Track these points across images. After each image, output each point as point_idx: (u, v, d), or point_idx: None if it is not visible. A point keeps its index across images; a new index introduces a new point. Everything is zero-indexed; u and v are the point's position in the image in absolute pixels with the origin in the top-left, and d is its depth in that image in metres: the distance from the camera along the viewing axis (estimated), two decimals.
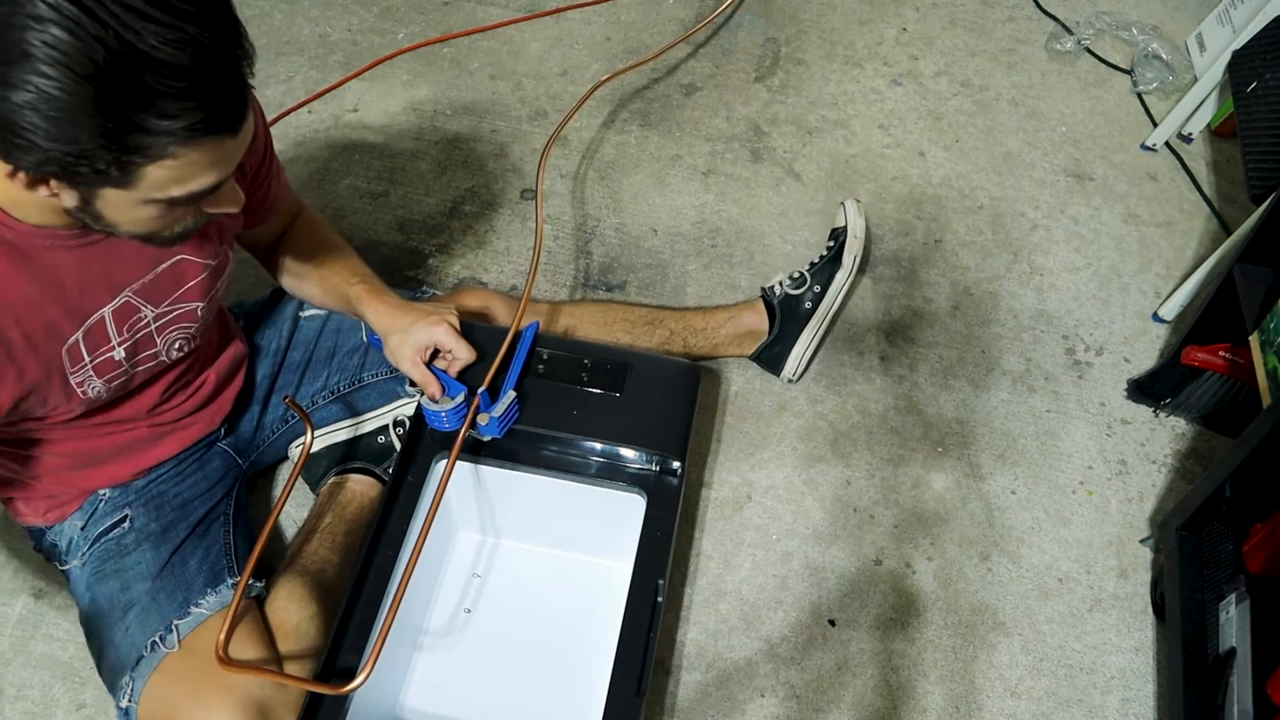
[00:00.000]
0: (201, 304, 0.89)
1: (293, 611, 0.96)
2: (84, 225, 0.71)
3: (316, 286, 1.05)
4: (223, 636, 0.84)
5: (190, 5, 0.59)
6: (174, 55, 0.58)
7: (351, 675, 0.83)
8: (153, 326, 0.86)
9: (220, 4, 0.61)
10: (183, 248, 0.84)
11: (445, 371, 1.00)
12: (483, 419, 0.96)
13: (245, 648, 0.89)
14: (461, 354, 0.99)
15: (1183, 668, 1.01)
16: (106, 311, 0.81)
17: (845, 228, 1.34)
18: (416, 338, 0.98)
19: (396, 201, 1.50)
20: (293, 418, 1.09)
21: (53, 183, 0.63)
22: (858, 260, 1.32)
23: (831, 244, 1.33)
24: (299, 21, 1.76)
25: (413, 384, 1.12)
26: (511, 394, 0.97)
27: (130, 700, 0.86)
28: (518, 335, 1.04)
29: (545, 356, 1.05)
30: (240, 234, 0.97)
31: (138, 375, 0.88)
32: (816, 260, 1.32)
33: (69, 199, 0.66)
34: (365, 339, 1.10)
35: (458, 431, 0.95)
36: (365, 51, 1.70)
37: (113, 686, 0.89)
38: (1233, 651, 0.97)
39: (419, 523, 0.97)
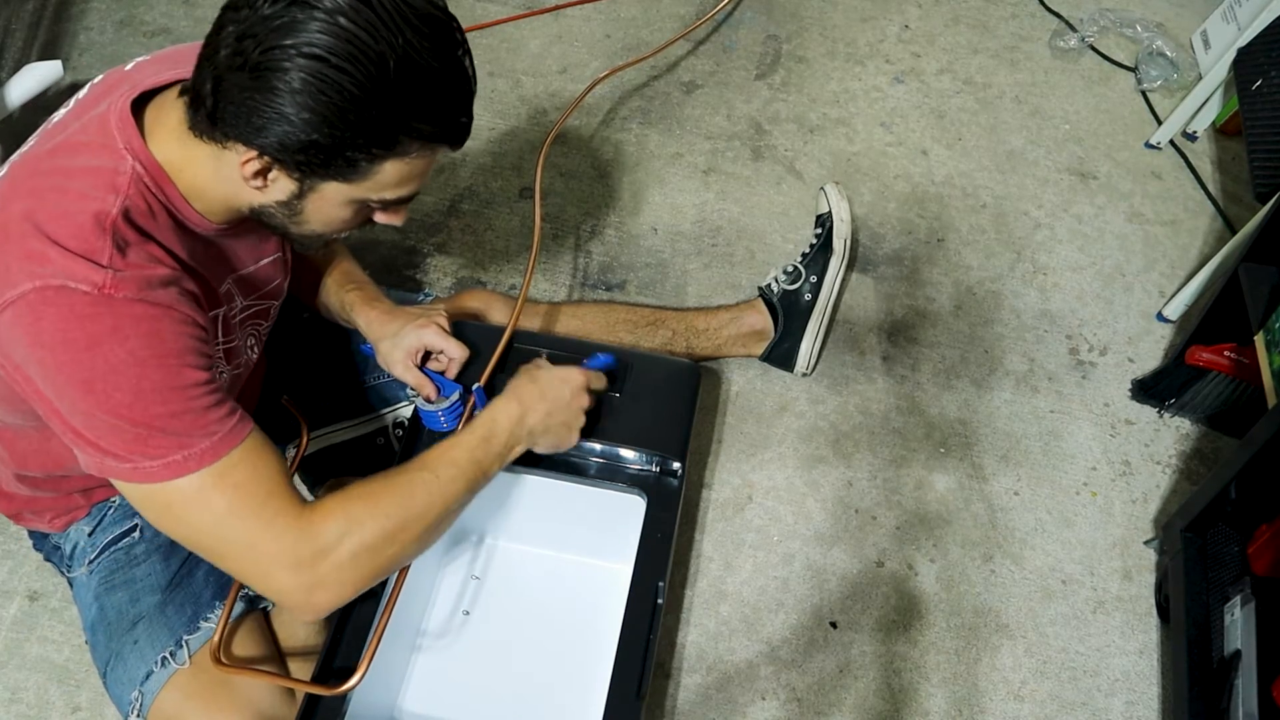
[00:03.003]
0: (275, 302, 0.92)
1: (300, 626, 0.95)
2: (247, 220, 0.76)
3: (312, 290, 1.04)
4: (217, 638, 0.84)
5: (449, 28, 0.68)
6: (435, 65, 0.67)
7: (348, 676, 0.82)
8: (238, 317, 0.87)
9: (460, 29, 0.70)
10: (273, 248, 0.87)
11: (441, 373, 0.99)
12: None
13: (255, 663, 0.89)
14: (453, 352, 0.99)
15: (1187, 670, 1.01)
16: (222, 294, 0.82)
17: (830, 213, 1.33)
18: (406, 342, 0.98)
19: None
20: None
21: (274, 172, 0.69)
22: (848, 243, 1.32)
23: (819, 231, 1.33)
24: None
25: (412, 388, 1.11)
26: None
27: (139, 715, 0.86)
28: (514, 333, 1.03)
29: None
30: None
31: (231, 374, 0.88)
32: (807, 251, 1.31)
33: (280, 191, 0.71)
34: (359, 349, 1.09)
35: (454, 430, 0.94)
36: None
37: (120, 701, 0.88)
38: (1238, 654, 0.96)
39: None
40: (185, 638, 0.87)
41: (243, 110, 0.65)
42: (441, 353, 1.00)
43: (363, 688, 0.86)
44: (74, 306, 0.65)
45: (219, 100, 0.65)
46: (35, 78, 1.40)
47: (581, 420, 0.93)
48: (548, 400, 0.90)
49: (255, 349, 0.91)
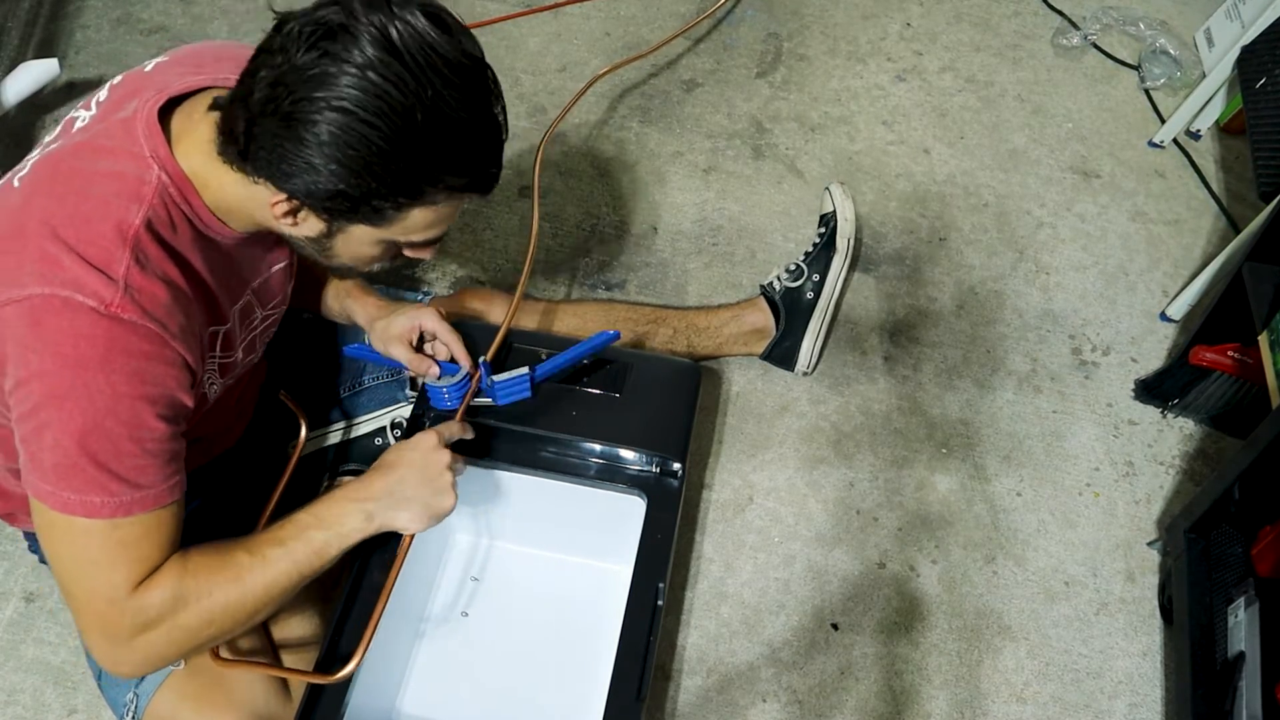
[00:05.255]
0: (285, 308, 0.92)
1: (296, 625, 0.95)
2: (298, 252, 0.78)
3: (304, 286, 1.03)
4: None
5: (481, 76, 0.68)
6: (464, 117, 0.66)
7: (348, 678, 0.82)
8: (258, 329, 0.87)
9: (491, 75, 0.69)
10: (284, 254, 0.87)
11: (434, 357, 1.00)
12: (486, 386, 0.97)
13: (245, 653, 0.88)
14: (447, 337, 0.99)
15: (1191, 672, 1.00)
16: (237, 308, 0.82)
17: (834, 212, 1.33)
18: (402, 321, 0.99)
19: None
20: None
21: (303, 212, 0.70)
22: (851, 243, 1.31)
23: (823, 230, 1.32)
24: None
25: (412, 388, 1.10)
26: (524, 370, 0.97)
27: (134, 717, 0.86)
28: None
29: (545, 356, 1.04)
30: None
31: (238, 374, 0.88)
32: (810, 249, 1.31)
33: (310, 229, 0.72)
34: (344, 351, 1.07)
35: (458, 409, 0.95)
36: None
37: (115, 704, 0.88)
38: (1241, 656, 0.96)
39: None
40: None
41: (274, 155, 0.66)
42: (435, 338, 1.00)
43: (362, 689, 0.86)
44: (75, 321, 0.65)
45: (250, 142, 0.66)
46: (31, 76, 1.40)
47: (447, 479, 0.85)
48: (400, 474, 0.84)
49: (262, 347, 0.91)
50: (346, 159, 0.64)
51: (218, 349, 0.81)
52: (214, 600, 0.74)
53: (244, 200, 0.72)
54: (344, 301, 1.02)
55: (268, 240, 0.82)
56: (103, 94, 0.77)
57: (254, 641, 0.89)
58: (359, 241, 0.73)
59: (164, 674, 0.85)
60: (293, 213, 0.70)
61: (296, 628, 0.95)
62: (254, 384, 1.02)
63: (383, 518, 0.82)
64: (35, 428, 0.67)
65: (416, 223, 0.71)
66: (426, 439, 0.86)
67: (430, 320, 0.99)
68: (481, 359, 0.97)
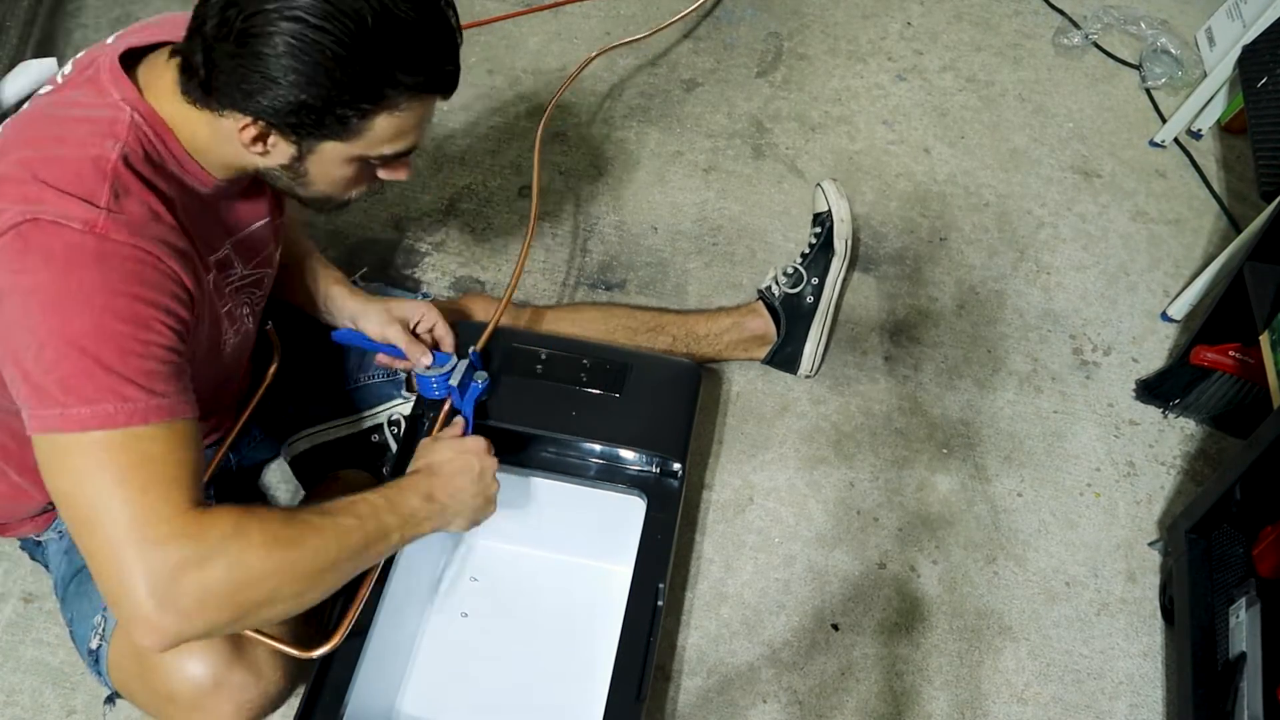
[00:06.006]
0: (270, 271, 0.91)
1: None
2: (244, 179, 0.77)
3: (297, 285, 1.04)
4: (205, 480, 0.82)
5: None
6: (423, 20, 0.68)
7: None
8: (236, 285, 0.86)
9: None
10: (264, 210, 0.87)
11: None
12: (479, 377, 0.98)
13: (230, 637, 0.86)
14: (441, 330, 1.01)
15: (1192, 673, 1.00)
16: (214, 260, 0.81)
17: (829, 211, 1.30)
18: (407, 306, 1.01)
19: (392, 199, 1.48)
20: (287, 414, 1.08)
21: (272, 137, 0.70)
22: (849, 243, 1.30)
23: (818, 230, 1.30)
24: None
25: (409, 388, 1.10)
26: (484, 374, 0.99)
27: (102, 639, 0.83)
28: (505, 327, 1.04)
29: (544, 357, 1.03)
30: None
31: (232, 342, 0.87)
32: (807, 251, 1.29)
33: (281, 155, 0.72)
34: (332, 336, 1.07)
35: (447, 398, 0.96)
36: None
37: (83, 635, 0.86)
38: (1243, 656, 0.95)
39: None
40: None
41: (233, 78, 0.66)
42: (431, 330, 1.01)
43: (362, 689, 0.86)
44: (63, 236, 0.65)
45: (210, 70, 0.67)
46: (30, 76, 1.39)
47: (494, 488, 0.88)
48: (458, 476, 0.84)
49: (251, 320, 0.91)
50: (304, 67, 0.65)
51: (214, 300, 0.81)
52: (277, 546, 0.67)
53: (214, 139, 0.72)
54: (327, 292, 1.02)
55: (247, 192, 0.83)
56: (68, 68, 0.77)
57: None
58: (331, 161, 0.73)
59: None
60: (261, 138, 0.70)
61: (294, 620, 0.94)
62: (248, 359, 1.01)
63: (440, 520, 0.83)
64: (35, 350, 0.64)
65: (384, 131, 0.72)
66: (477, 443, 0.88)
67: (431, 313, 1.01)
68: (471, 350, 0.97)
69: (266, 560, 0.67)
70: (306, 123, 0.69)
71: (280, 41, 0.64)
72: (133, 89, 0.71)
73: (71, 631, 0.89)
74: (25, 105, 0.76)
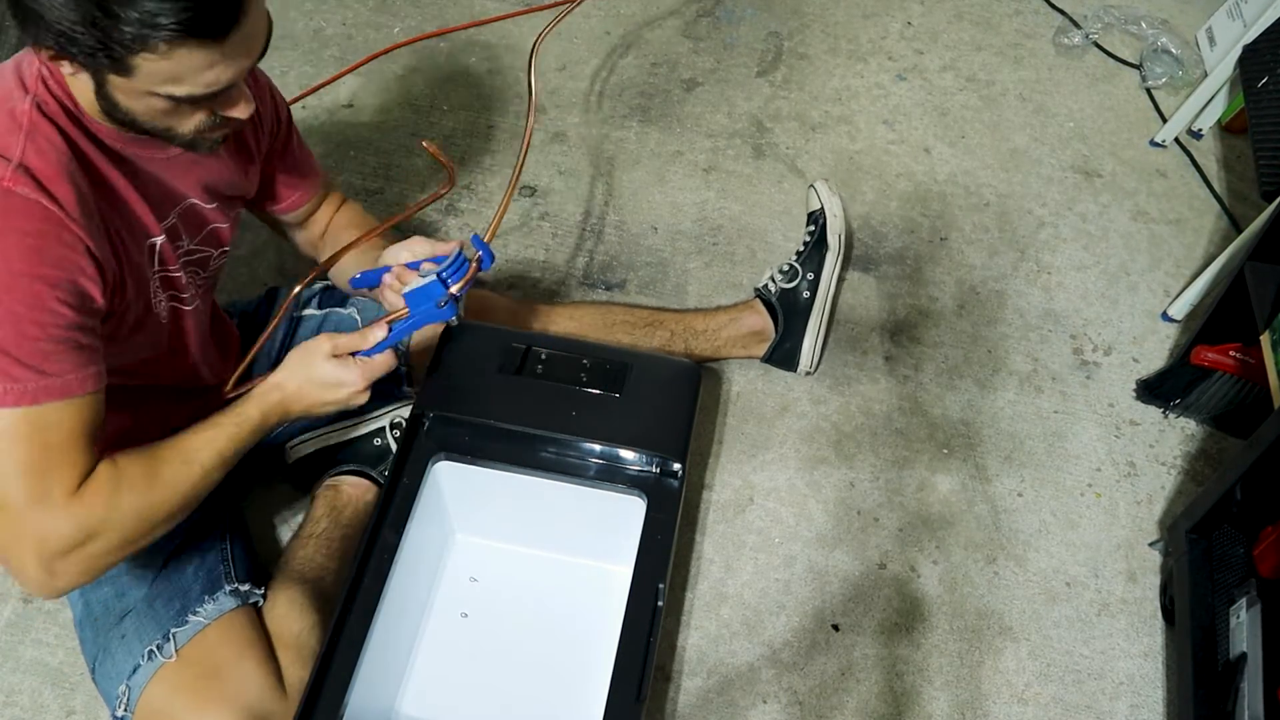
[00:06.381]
0: (214, 253, 0.91)
1: (293, 621, 0.95)
2: (114, 119, 0.73)
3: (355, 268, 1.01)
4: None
5: None
6: None
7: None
8: (188, 258, 0.87)
9: None
10: (202, 195, 0.86)
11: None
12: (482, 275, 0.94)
13: (245, 657, 0.88)
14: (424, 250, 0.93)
15: (1192, 673, 1.00)
16: (165, 226, 0.82)
17: (822, 209, 1.32)
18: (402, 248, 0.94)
19: (392, 198, 1.48)
20: None
21: (67, 65, 0.67)
22: (842, 238, 1.31)
23: (812, 228, 1.32)
24: (293, 15, 1.74)
25: (408, 383, 1.10)
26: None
27: (127, 710, 0.86)
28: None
29: (544, 356, 1.03)
30: (279, 218, 1.03)
31: (181, 313, 0.89)
32: (801, 249, 1.31)
33: (83, 83, 0.69)
34: (350, 281, 1.01)
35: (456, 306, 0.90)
36: (360, 46, 1.68)
37: (108, 695, 0.88)
38: (1243, 657, 0.95)
39: (415, 525, 0.95)
40: (173, 631, 0.87)
41: (18, 13, 0.65)
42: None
43: (361, 689, 0.86)
44: None
45: (10, 7, 0.65)
46: None
47: (340, 376, 0.86)
48: (297, 377, 0.86)
49: (200, 300, 0.91)
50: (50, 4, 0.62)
51: (156, 262, 0.81)
52: (149, 509, 0.76)
53: (70, 84, 0.71)
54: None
55: (196, 163, 0.83)
56: None
57: (259, 657, 0.89)
58: (127, 94, 0.69)
59: (155, 665, 0.85)
60: (57, 61, 0.67)
61: (294, 623, 0.94)
62: (221, 343, 1.01)
63: (286, 400, 0.86)
64: None
65: (157, 74, 0.66)
66: (349, 377, 0.86)
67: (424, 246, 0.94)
68: (474, 235, 0.90)
69: (139, 524, 0.76)
70: (75, 54, 0.65)
71: None
72: (34, 51, 0.69)
73: (94, 677, 0.90)
74: None
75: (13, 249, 0.66)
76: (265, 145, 0.95)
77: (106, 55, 0.65)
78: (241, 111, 0.74)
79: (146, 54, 0.65)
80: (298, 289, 0.99)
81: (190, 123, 0.74)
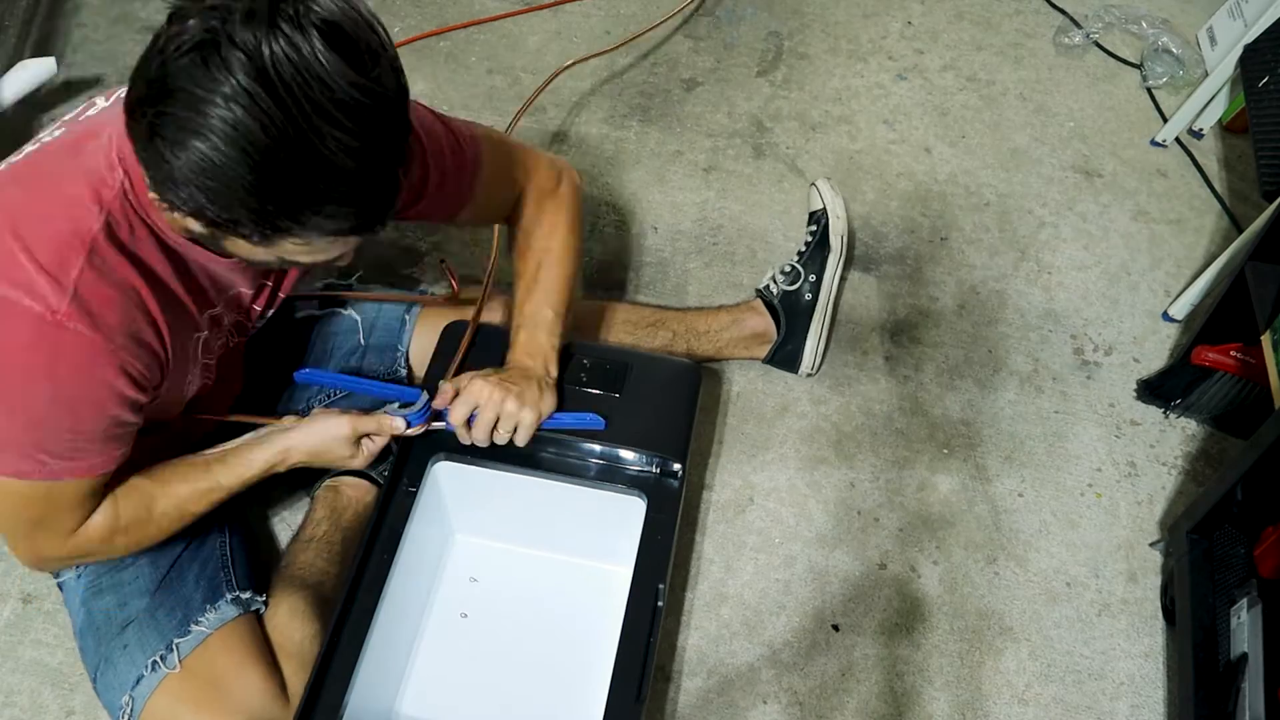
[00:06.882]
0: (258, 309, 0.91)
1: (295, 629, 0.95)
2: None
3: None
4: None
5: (380, 117, 0.60)
6: (349, 164, 0.59)
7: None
8: (226, 331, 0.88)
9: (401, 114, 0.63)
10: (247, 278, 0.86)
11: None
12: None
13: (248, 666, 0.88)
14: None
15: (1193, 673, 1.00)
16: (207, 316, 0.83)
17: (824, 209, 1.32)
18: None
19: None
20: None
21: (177, 214, 0.64)
22: (845, 239, 1.30)
23: (814, 229, 1.31)
24: None
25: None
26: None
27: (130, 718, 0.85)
28: (476, 338, 1.01)
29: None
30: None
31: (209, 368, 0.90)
32: (803, 249, 1.30)
33: (195, 225, 0.65)
34: (295, 375, 0.99)
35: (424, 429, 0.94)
36: None
37: (111, 706, 0.88)
38: (1244, 657, 0.95)
39: (415, 526, 0.95)
40: (176, 641, 0.87)
41: (144, 156, 0.61)
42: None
43: (361, 690, 0.85)
44: (20, 327, 0.66)
45: (133, 138, 0.62)
46: (29, 75, 1.39)
47: (347, 456, 0.89)
48: (308, 442, 0.88)
49: (234, 339, 0.92)
50: (204, 187, 0.59)
51: (199, 354, 0.82)
52: (144, 543, 0.84)
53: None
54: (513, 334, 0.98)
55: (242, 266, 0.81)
56: (100, 99, 0.77)
57: (261, 666, 0.89)
58: (243, 249, 0.68)
59: (159, 676, 0.85)
60: (170, 210, 0.65)
61: (296, 631, 0.95)
62: (235, 357, 1.01)
63: (291, 461, 0.89)
64: None
65: (293, 251, 0.66)
66: (339, 426, 0.88)
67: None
68: (423, 389, 0.92)
69: (129, 550, 0.85)
70: (209, 220, 0.63)
71: (184, 157, 0.57)
72: (129, 144, 0.63)
73: (95, 687, 0.90)
74: (61, 125, 0.75)
75: (63, 381, 0.68)
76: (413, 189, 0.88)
77: (259, 236, 0.63)
78: (345, 261, 0.73)
79: (292, 240, 0.64)
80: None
81: (297, 264, 0.73)
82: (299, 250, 0.66)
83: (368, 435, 0.90)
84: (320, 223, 0.62)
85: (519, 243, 1.00)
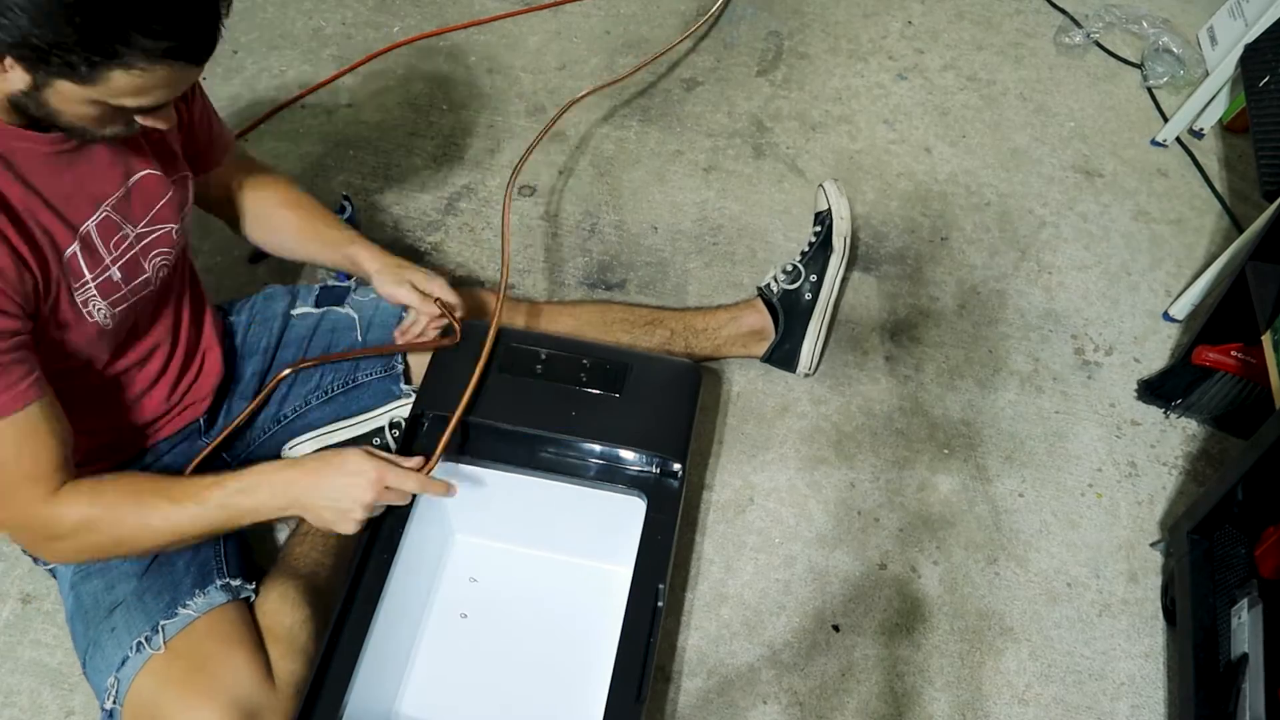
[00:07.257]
0: (175, 225, 0.90)
1: (285, 615, 0.94)
2: (27, 114, 0.72)
3: (297, 235, 1.06)
4: None
5: None
6: None
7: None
8: (136, 248, 0.86)
9: None
10: (145, 163, 0.86)
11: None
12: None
13: (234, 650, 0.88)
14: (449, 295, 1.03)
15: (1194, 674, 1.00)
16: (92, 225, 0.82)
17: (829, 210, 1.31)
18: (409, 270, 1.03)
19: (391, 198, 1.48)
20: (285, 418, 1.07)
21: (8, 61, 0.66)
22: (848, 241, 1.30)
23: (818, 229, 1.31)
24: (292, 15, 1.73)
25: (406, 381, 1.10)
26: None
27: (115, 703, 0.85)
28: (470, 416, 0.99)
29: (544, 356, 1.03)
30: (199, 186, 0.99)
31: (139, 306, 0.88)
32: (806, 249, 1.30)
33: (18, 81, 0.68)
34: (330, 277, 1.10)
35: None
36: (360, 45, 1.68)
37: (98, 688, 0.87)
38: (1245, 657, 0.95)
39: (415, 525, 0.95)
40: (162, 623, 0.86)
41: None
42: (437, 300, 1.03)
43: (361, 690, 0.86)
44: None
45: None
46: None
47: (357, 515, 0.88)
48: (324, 485, 0.87)
49: (166, 269, 0.91)
50: (32, 5, 0.61)
51: (81, 269, 0.80)
52: (121, 531, 0.82)
53: None
54: (346, 249, 1.04)
55: (107, 151, 0.81)
56: None
57: (249, 651, 0.89)
58: (69, 99, 0.69)
59: (144, 657, 0.84)
60: None
61: (286, 616, 0.94)
62: (197, 321, 1.00)
63: (294, 510, 0.88)
64: None
65: (121, 86, 0.67)
66: (366, 475, 0.87)
67: (438, 279, 1.03)
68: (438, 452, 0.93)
69: (108, 540, 0.82)
70: (34, 58, 0.65)
71: None
72: None
73: (85, 671, 0.90)
74: None
75: None
76: (194, 117, 0.95)
77: (86, 66, 0.65)
78: (164, 124, 0.75)
79: (121, 69, 0.66)
80: (283, 373, 1.04)
81: (111, 128, 0.74)
82: (128, 86, 0.67)
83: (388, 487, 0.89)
84: (147, 43, 0.65)
85: (280, 200, 1.08)
